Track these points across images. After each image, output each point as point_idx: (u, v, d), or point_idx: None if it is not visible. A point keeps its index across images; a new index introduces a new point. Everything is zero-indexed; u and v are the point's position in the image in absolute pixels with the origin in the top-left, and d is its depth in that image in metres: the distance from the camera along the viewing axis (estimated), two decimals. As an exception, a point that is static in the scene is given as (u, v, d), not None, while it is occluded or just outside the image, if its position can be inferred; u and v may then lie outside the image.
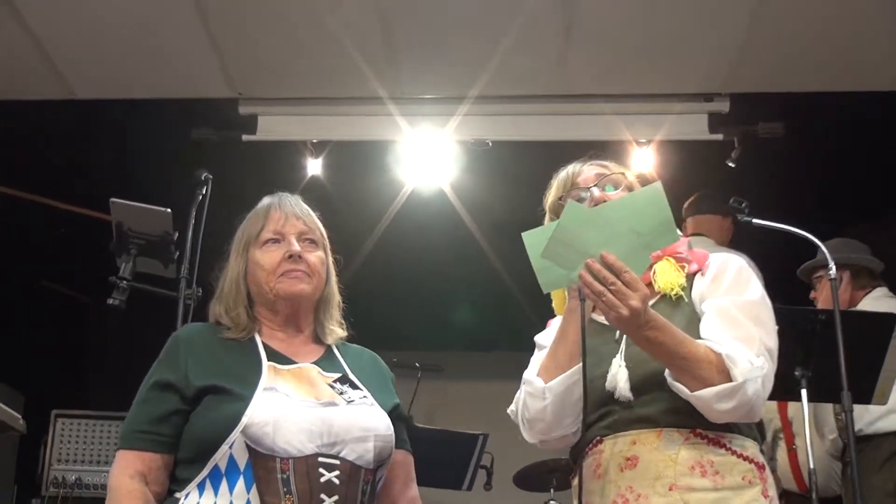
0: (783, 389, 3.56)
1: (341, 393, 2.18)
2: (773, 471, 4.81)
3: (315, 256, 2.27)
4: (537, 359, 2.28)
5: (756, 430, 2.18)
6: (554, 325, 2.39)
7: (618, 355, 2.17)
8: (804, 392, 3.57)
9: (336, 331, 2.34)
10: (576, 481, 2.22)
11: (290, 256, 2.23)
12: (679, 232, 2.12)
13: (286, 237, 2.26)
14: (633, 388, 2.12)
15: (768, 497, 2.10)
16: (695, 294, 2.20)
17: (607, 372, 2.15)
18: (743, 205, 3.68)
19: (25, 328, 6.54)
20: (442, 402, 6.77)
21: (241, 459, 2.00)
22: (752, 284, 2.19)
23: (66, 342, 6.85)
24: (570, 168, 2.39)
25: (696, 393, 2.00)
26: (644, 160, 5.40)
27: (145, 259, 3.72)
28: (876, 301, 4.43)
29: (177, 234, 3.71)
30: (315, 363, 2.24)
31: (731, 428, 2.11)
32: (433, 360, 5.84)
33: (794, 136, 5.39)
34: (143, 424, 2.10)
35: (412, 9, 4.61)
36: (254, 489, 1.99)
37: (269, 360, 2.16)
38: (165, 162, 5.39)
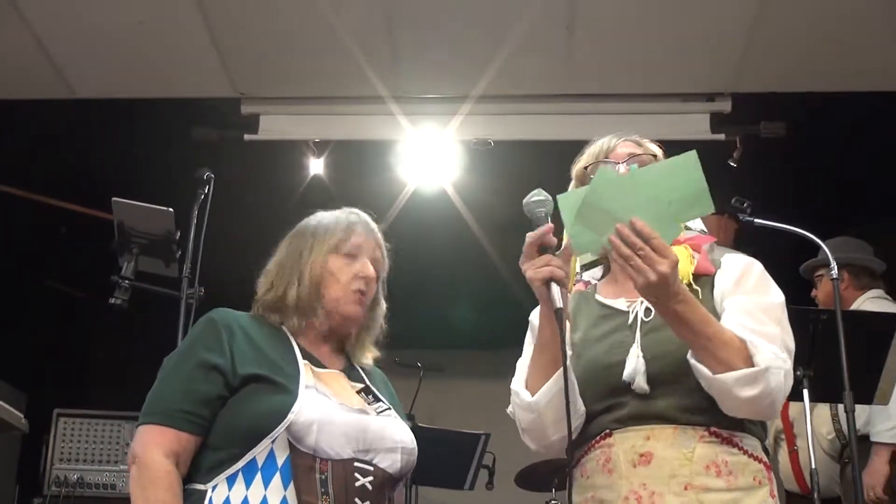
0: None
1: (369, 403, 2.19)
2: (776, 472, 4.82)
3: (374, 286, 2.30)
4: (524, 362, 2.22)
5: (762, 430, 2.16)
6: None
7: (635, 345, 2.12)
8: (806, 392, 3.56)
9: (368, 355, 2.35)
10: (577, 474, 2.17)
11: (363, 278, 2.25)
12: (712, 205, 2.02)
13: (360, 257, 2.28)
14: (649, 381, 2.08)
15: (775, 497, 2.08)
16: (717, 292, 2.17)
17: (620, 361, 2.11)
18: (745, 205, 3.68)
19: (28, 327, 6.54)
20: (444, 402, 6.76)
21: (281, 455, 1.98)
22: (774, 288, 2.16)
23: (68, 341, 6.85)
24: (605, 142, 2.33)
25: (718, 376, 1.96)
26: (646, 160, 5.40)
27: (147, 258, 3.72)
28: (869, 302, 4.43)
29: (179, 234, 3.72)
30: (342, 371, 2.25)
31: (743, 427, 2.08)
32: (435, 360, 5.84)
33: (795, 137, 5.39)
34: (186, 403, 2.03)
35: (415, 8, 4.61)
36: (291, 486, 1.96)
37: (304, 359, 2.15)
38: (167, 161, 5.39)
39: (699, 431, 2.05)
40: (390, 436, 2.12)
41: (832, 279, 3.60)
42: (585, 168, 2.33)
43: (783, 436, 4.84)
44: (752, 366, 1.97)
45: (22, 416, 4.32)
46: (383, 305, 2.37)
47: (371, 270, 2.27)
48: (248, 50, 4.90)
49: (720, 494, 2.01)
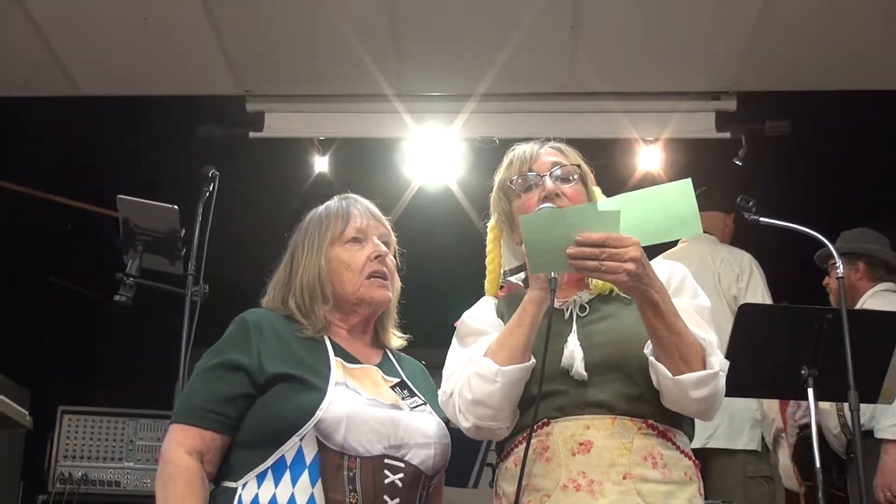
0: (789, 388, 3.55)
1: (403, 398, 2.19)
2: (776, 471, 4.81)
3: (391, 260, 2.31)
4: (486, 340, 2.19)
5: (692, 430, 2.20)
6: (483, 304, 2.42)
7: (572, 334, 2.14)
8: (811, 392, 3.55)
9: (397, 335, 2.37)
10: (509, 463, 2.18)
11: (377, 257, 2.25)
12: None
13: (368, 238, 2.29)
14: (587, 368, 2.09)
15: (702, 495, 2.13)
16: None
17: (558, 349, 2.11)
18: (750, 203, 3.67)
19: (32, 324, 6.54)
20: (448, 400, 6.75)
21: (310, 453, 1.99)
22: (700, 292, 2.22)
23: (72, 338, 6.86)
24: (528, 149, 2.34)
25: (679, 378, 1.99)
26: (651, 158, 5.41)
27: (152, 256, 3.73)
28: (879, 295, 4.41)
29: (184, 231, 3.72)
30: (377, 366, 2.25)
31: (677, 424, 2.13)
32: (439, 358, 5.82)
33: (800, 135, 5.38)
34: (209, 402, 2.06)
35: (419, 6, 4.60)
36: (319, 484, 1.97)
37: (336, 356, 2.15)
38: (172, 158, 5.39)
39: (637, 423, 2.08)
40: (423, 431, 2.12)
41: (838, 278, 3.60)
42: (510, 181, 2.32)
43: (783, 434, 4.83)
44: (706, 367, 2.02)
45: (27, 413, 4.32)
46: (398, 281, 2.37)
47: (382, 247, 2.28)
48: (253, 47, 4.90)
49: (657, 486, 2.04)
